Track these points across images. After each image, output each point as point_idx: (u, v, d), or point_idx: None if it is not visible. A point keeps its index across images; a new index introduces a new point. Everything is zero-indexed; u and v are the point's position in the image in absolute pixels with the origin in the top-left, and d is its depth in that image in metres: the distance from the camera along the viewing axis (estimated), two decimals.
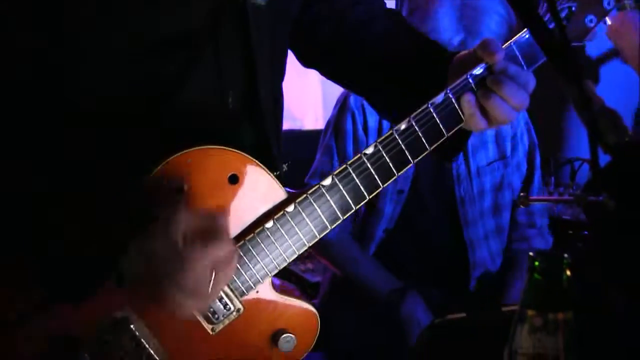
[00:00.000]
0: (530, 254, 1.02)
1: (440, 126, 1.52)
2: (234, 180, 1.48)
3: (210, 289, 1.37)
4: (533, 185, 2.90)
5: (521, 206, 2.72)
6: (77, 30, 1.39)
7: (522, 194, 2.59)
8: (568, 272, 1.00)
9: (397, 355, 2.58)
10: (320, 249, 2.78)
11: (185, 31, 1.47)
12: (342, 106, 2.74)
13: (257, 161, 1.49)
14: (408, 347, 2.58)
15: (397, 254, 2.77)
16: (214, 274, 1.36)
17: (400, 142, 1.51)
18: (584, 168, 3.91)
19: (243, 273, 1.48)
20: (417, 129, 1.51)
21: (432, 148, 1.54)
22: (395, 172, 1.54)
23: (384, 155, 1.52)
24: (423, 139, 1.52)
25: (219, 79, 1.53)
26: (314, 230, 1.51)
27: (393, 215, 2.75)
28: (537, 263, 1.01)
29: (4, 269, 1.41)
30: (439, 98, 1.51)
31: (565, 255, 1.00)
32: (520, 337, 1.01)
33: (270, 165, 1.52)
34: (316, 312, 1.57)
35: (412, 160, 1.54)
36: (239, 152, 1.47)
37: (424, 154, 1.54)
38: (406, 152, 1.52)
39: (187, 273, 1.34)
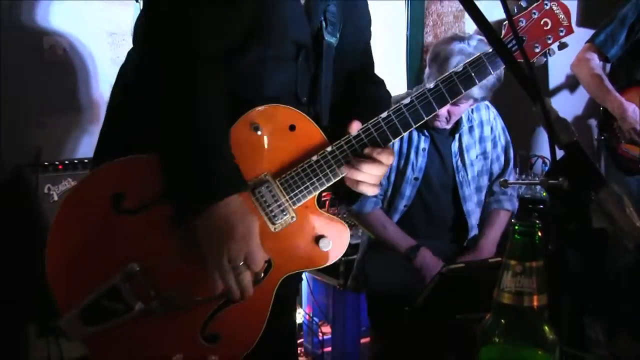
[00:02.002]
0: (513, 221, 1.02)
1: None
2: (293, 128, 1.52)
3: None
4: (508, 172, 2.90)
5: (502, 187, 2.71)
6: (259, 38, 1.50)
7: (501, 179, 2.59)
8: (540, 233, 0.99)
9: (416, 292, 2.58)
10: (359, 219, 2.79)
11: (290, 52, 1.56)
12: None
13: (309, 118, 1.54)
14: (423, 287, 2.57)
15: (413, 223, 2.79)
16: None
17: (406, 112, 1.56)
18: (538, 162, 3.89)
19: (296, 190, 1.51)
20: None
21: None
22: (402, 131, 1.56)
23: (394, 119, 1.55)
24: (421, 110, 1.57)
25: (296, 83, 1.59)
26: (344, 164, 1.54)
27: (410, 195, 2.76)
28: (517, 227, 1.00)
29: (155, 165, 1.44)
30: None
31: (538, 221, 0.99)
32: (505, 280, 1.01)
33: (321, 126, 1.56)
34: (347, 226, 1.59)
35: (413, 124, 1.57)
36: (298, 110, 1.53)
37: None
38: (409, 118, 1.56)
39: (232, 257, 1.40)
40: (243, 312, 1.50)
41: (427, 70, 2.71)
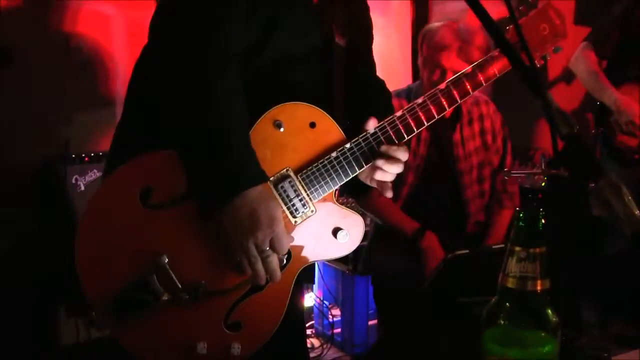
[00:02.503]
0: (517, 209, 1.00)
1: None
2: (313, 125, 1.51)
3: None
4: (506, 164, 2.87)
5: (505, 177, 2.69)
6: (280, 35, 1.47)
7: (505, 169, 2.57)
8: (543, 221, 0.98)
9: (418, 275, 2.58)
10: (366, 206, 2.78)
11: (304, 53, 1.54)
12: None
13: (329, 116, 1.53)
14: (426, 270, 2.57)
15: (416, 209, 2.76)
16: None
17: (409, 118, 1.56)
18: (538, 154, 3.87)
19: (316, 184, 1.50)
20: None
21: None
22: (415, 129, 1.56)
23: (408, 118, 1.55)
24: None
25: (310, 84, 1.57)
26: (362, 160, 1.53)
27: (413, 183, 2.74)
28: (521, 214, 0.98)
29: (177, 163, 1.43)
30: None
31: (541, 209, 0.97)
32: (510, 265, 0.99)
33: (339, 123, 1.55)
34: (362, 219, 1.58)
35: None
36: (319, 108, 1.52)
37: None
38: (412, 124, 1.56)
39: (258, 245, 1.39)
40: (264, 301, 1.50)
41: (420, 58, 2.69)
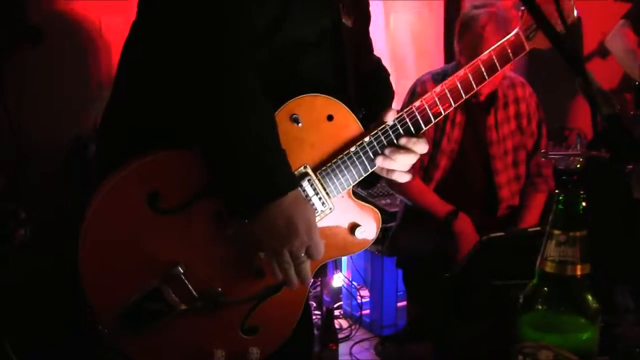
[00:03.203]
0: (557, 191, 0.97)
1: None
2: (331, 118, 1.45)
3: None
4: (540, 147, 2.81)
5: (543, 159, 2.65)
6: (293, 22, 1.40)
7: (542, 151, 2.53)
8: (584, 204, 0.95)
9: (448, 258, 2.56)
10: (397, 188, 2.76)
11: (315, 37, 1.47)
12: (413, 92, 2.69)
13: (347, 108, 1.47)
14: (458, 253, 2.56)
15: (448, 193, 2.74)
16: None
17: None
18: (573, 135, 3.79)
19: (335, 181, 1.46)
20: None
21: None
22: (433, 120, 1.50)
23: (427, 108, 1.49)
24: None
25: (323, 69, 1.51)
26: (381, 154, 1.48)
27: (446, 167, 2.72)
28: (561, 197, 0.96)
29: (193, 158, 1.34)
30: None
31: (582, 191, 0.95)
32: (549, 249, 0.96)
33: (355, 113, 1.49)
34: (379, 213, 1.54)
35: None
36: (335, 99, 1.45)
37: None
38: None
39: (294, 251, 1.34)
40: (280, 302, 1.45)
41: (456, 45, 2.63)
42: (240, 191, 1.31)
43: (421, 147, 1.49)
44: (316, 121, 1.44)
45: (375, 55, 1.75)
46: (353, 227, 1.50)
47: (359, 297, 3.62)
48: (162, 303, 1.36)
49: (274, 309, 1.45)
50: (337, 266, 3.66)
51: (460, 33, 2.59)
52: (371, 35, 1.70)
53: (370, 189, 2.26)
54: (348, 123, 1.47)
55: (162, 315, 1.37)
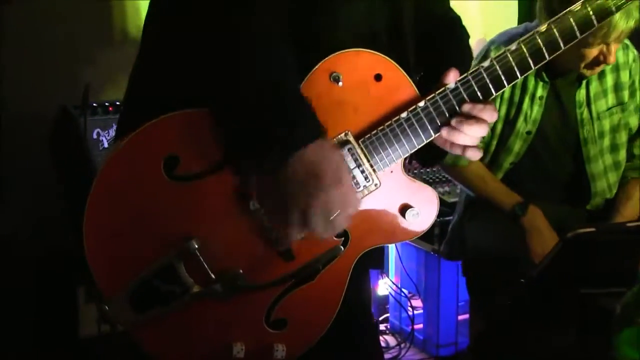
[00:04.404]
0: None
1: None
2: (379, 78, 1.48)
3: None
4: None
5: None
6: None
7: None
8: None
9: (522, 260, 2.54)
10: (454, 173, 2.76)
11: None
12: (484, 56, 2.67)
13: (398, 66, 1.49)
14: (531, 253, 2.54)
15: (521, 184, 2.70)
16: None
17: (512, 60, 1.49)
18: None
19: (381, 152, 1.48)
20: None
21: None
22: (505, 84, 1.50)
23: (497, 68, 1.48)
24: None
25: (373, 19, 1.54)
26: (438, 122, 1.50)
27: (520, 151, 2.69)
28: None
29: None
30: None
31: None
32: None
33: (409, 75, 1.51)
34: (436, 194, 1.56)
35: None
36: (384, 56, 1.48)
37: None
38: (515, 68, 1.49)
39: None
40: (314, 294, 1.50)
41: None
42: (252, 148, 1.38)
43: (489, 114, 1.50)
44: (361, 81, 1.47)
45: (453, 11, 1.76)
46: (404, 209, 1.53)
47: (409, 309, 3.62)
48: (175, 283, 1.43)
49: (306, 301, 1.50)
50: (382, 270, 3.67)
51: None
52: None
53: (432, 165, 2.27)
54: (399, 84, 1.49)
55: (174, 297, 1.44)
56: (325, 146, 1.39)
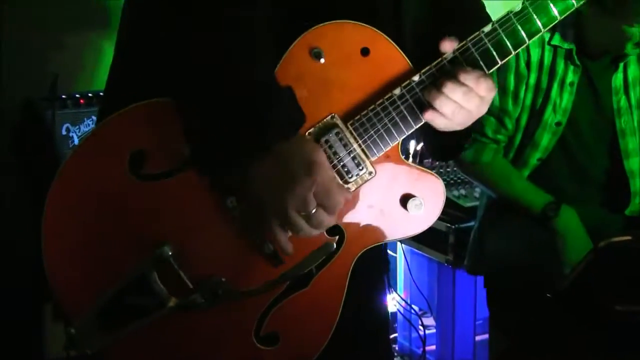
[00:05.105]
0: None
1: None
2: (366, 52, 1.47)
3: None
4: None
5: None
6: None
7: None
8: None
9: (552, 270, 2.53)
10: (474, 172, 2.74)
11: None
12: None
13: (387, 37, 1.48)
14: (563, 261, 2.54)
15: (551, 182, 2.68)
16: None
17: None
18: None
19: (374, 135, 1.47)
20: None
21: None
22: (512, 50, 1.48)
23: (501, 32, 1.47)
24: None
25: None
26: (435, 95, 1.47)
27: (548, 146, 2.66)
28: None
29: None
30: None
31: None
32: None
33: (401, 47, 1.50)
34: (442, 182, 1.55)
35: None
36: (371, 27, 1.47)
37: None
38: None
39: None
40: (309, 302, 1.49)
41: None
42: (215, 146, 1.37)
43: (484, 86, 1.46)
44: (346, 56, 1.46)
45: None
46: (405, 199, 1.52)
47: (420, 328, 3.62)
48: (148, 295, 1.42)
49: (299, 311, 1.49)
50: (389, 284, 3.66)
51: None
52: None
53: (446, 158, 2.23)
54: (390, 58, 1.49)
55: (148, 312, 1.42)
56: (299, 139, 1.40)
